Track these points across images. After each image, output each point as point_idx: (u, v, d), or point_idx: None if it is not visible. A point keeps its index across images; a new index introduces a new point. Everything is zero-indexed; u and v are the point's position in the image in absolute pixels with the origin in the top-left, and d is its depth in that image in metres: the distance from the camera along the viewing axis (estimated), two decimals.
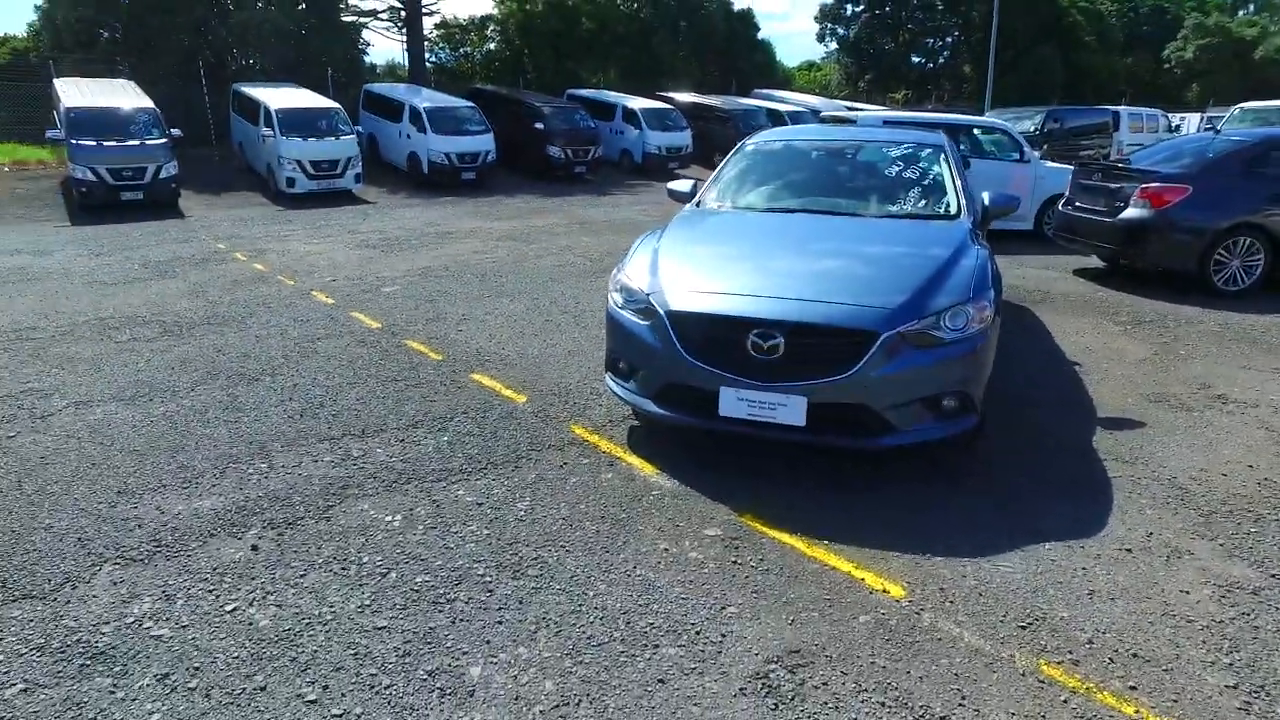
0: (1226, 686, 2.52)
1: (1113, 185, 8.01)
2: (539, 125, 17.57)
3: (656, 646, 2.62)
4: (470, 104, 17.42)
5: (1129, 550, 3.26)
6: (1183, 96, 47.33)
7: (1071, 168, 9.39)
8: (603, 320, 5.36)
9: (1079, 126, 17.75)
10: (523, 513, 3.45)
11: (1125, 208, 7.70)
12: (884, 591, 2.95)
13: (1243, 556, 3.24)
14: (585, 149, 17.91)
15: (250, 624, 2.69)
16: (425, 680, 2.44)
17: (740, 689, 2.44)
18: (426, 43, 27.14)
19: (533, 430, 4.32)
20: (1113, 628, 2.78)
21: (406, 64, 26.09)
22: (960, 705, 2.40)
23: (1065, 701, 2.43)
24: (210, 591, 2.87)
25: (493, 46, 31.68)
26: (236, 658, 2.53)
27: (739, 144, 5.64)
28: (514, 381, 5.06)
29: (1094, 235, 8.09)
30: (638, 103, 20.54)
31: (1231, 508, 3.61)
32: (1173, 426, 4.53)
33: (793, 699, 2.41)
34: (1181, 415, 4.71)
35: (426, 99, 17.17)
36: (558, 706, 2.35)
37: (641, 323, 3.90)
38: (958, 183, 4.90)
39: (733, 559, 3.14)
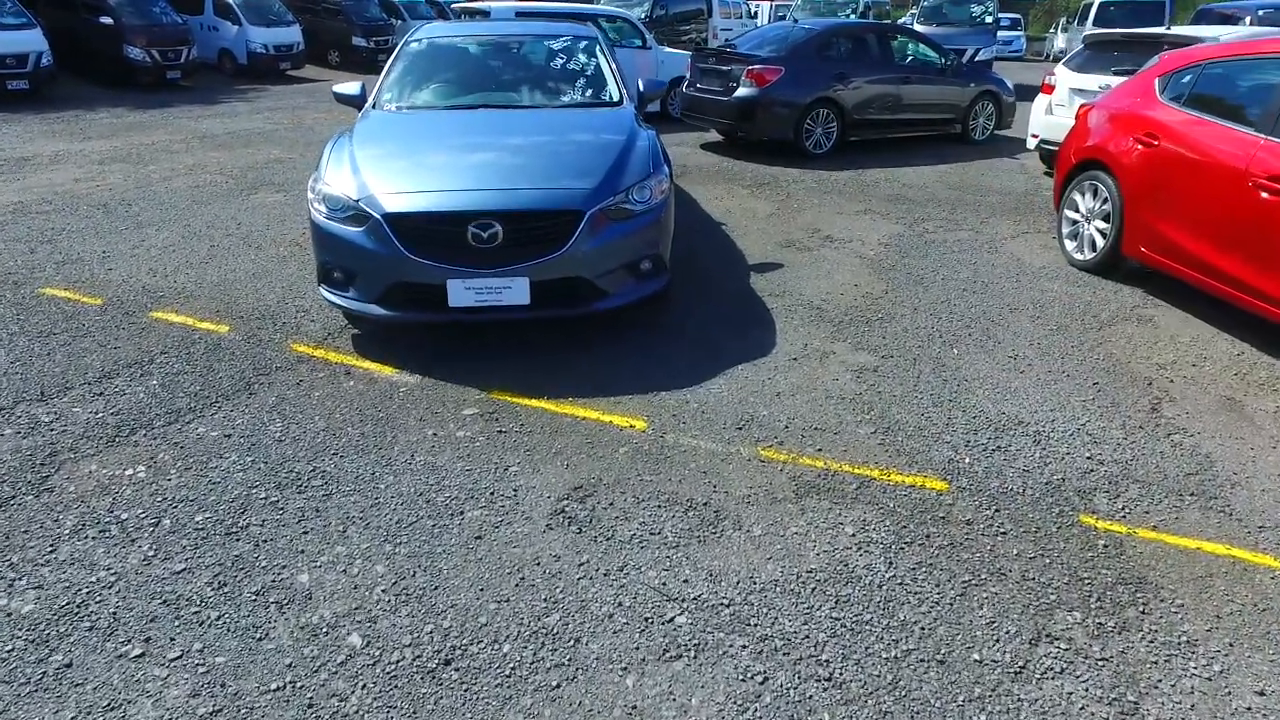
0: (871, 434, 3.54)
1: (724, 68, 9.24)
2: (107, 20, 14.61)
3: (461, 513, 2.91)
4: None
5: (795, 359, 4.22)
6: None
7: (685, 54, 10.55)
8: (280, 238, 5.14)
9: (680, 13, 19.47)
10: (279, 434, 3.40)
11: (737, 88, 8.98)
12: (631, 427, 3.53)
13: (864, 349, 4.38)
14: (175, 49, 15.34)
15: (10, 615, 2.42)
16: (256, 600, 2.47)
17: (547, 525, 2.85)
18: None
19: (251, 357, 4.11)
20: (798, 414, 3.67)
21: None
22: (714, 491, 3.08)
23: (781, 470, 3.24)
24: None
25: None
26: (14, 650, 2.30)
27: (403, 43, 5.53)
28: (206, 313, 4.66)
29: (714, 112, 9.33)
30: None
31: (851, 317, 4.80)
32: (801, 264, 5.72)
33: (590, 521, 2.88)
34: (804, 254, 5.95)
35: None
36: (396, 582, 2.56)
37: (354, 229, 3.89)
38: (615, 72, 5.42)
39: (497, 429, 3.47)
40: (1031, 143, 8.82)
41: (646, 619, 2.45)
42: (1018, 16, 29.71)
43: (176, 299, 4.87)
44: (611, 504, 2.99)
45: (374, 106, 5.04)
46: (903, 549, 2.79)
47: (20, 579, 2.55)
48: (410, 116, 4.93)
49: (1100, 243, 5.51)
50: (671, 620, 2.45)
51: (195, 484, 3.04)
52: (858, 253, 6.02)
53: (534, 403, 3.70)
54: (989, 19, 16.30)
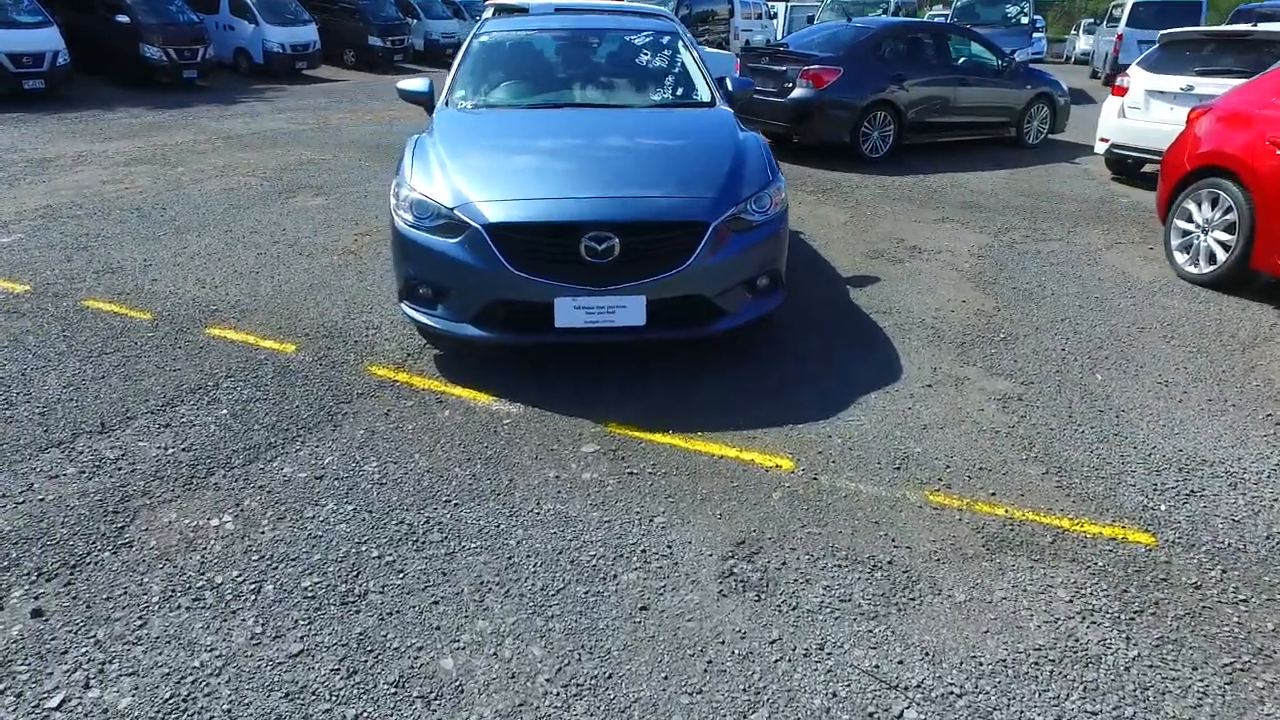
0: (1042, 474, 3.12)
1: (778, 68, 8.84)
2: (122, 18, 14.20)
3: (615, 576, 2.49)
4: None
5: (929, 386, 3.81)
6: None
7: (728, 54, 10.16)
8: (330, 245, 4.77)
9: (703, 12, 19.14)
10: (377, 475, 2.98)
11: (793, 89, 8.58)
12: (776, 467, 3.11)
13: (999, 374, 3.97)
14: (192, 48, 14.92)
15: (107, 713, 2.00)
16: (396, 693, 2.05)
17: (719, 592, 2.44)
18: None
19: (327, 382, 3.69)
20: (955, 451, 3.26)
21: None
22: (894, 547, 2.67)
23: (959, 520, 2.82)
24: (14, 695, 2.07)
25: None
26: None
27: (470, 37, 5.11)
28: (267, 329, 4.24)
29: (767, 114, 8.92)
30: None
31: (972, 338, 4.39)
32: (896, 277, 5.32)
33: (767, 585, 2.47)
34: (897, 267, 5.54)
35: None
36: (560, 669, 2.14)
37: (448, 240, 3.47)
38: (704, 70, 5.01)
39: (627, 470, 3.06)
40: (1100, 147, 8.42)
41: (871, 715, 2.03)
42: (1038, 18, 29.31)
43: (232, 313, 4.45)
44: (784, 564, 2.57)
45: (446, 105, 4.62)
46: (1134, 620, 2.38)
47: (111, 662, 2.13)
48: (492, 116, 4.51)
49: (1221, 255, 5.11)
50: (901, 716, 2.03)
51: (293, 538, 2.62)
52: (952, 265, 5.62)
53: (660, 438, 3.28)
54: (1024, 19, 15.93)
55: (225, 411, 3.41)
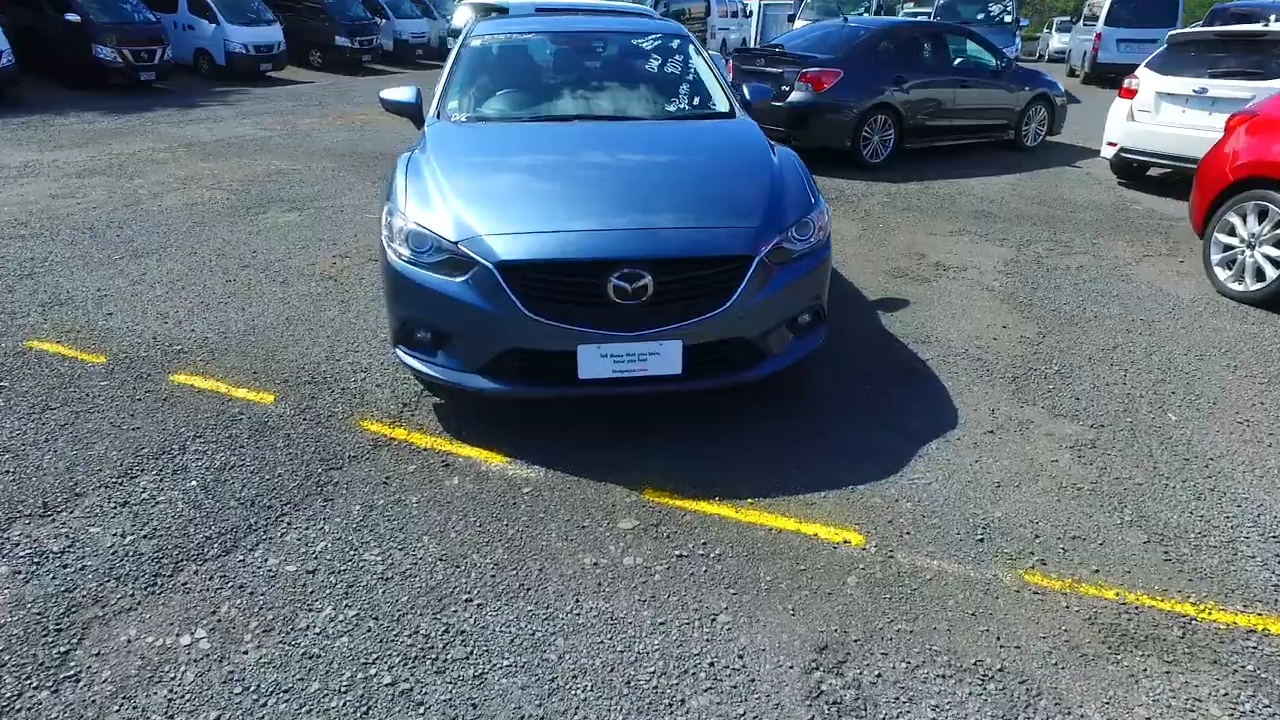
0: (1144, 544, 2.74)
1: (774, 70, 8.45)
2: (73, 17, 13.39)
3: (683, 701, 2.05)
4: None
5: (991, 432, 3.42)
6: None
7: (716, 54, 9.73)
8: (307, 270, 4.30)
9: (679, 10, 18.74)
10: (381, 568, 2.51)
11: (790, 91, 8.19)
12: (845, 542, 2.69)
13: (1063, 414, 3.60)
14: (149, 49, 14.15)
15: None
16: None
17: (811, 717, 2.01)
18: None
19: (314, 441, 3.20)
20: (1039, 515, 2.87)
21: None
22: (1000, 646, 2.26)
23: (1066, 608, 2.43)
24: None
25: None
26: None
27: (462, 40, 4.62)
28: (240, 374, 3.73)
29: (765, 118, 8.48)
30: None
31: (1023, 371, 4.01)
32: (926, 299, 4.93)
33: (865, 708, 2.05)
34: (923, 287, 5.16)
35: None
36: None
37: (452, 279, 3.00)
38: (719, 77, 4.59)
39: (675, 553, 2.62)
40: (1108, 151, 8.13)
41: None
42: (1023, 19, 29.14)
43: (199, 355, 3.93)
44: (879, 675, 2.15)
45: (438, 117, 4.13)
46: None
47: None
48: (493, 130, 4.03)
49: (1272, 273, 4.80)
50: None
51: (284, 659, 2.15)
52: (980, 283, 5.25)
53: (705, 507, 2.84)
54: (1008, 18, 15.72)
55: (194, 483, 2.91)
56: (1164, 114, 7.55)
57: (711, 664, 2.17)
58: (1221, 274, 5.15)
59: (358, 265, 5.27)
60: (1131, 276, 5.49)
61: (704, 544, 2.66)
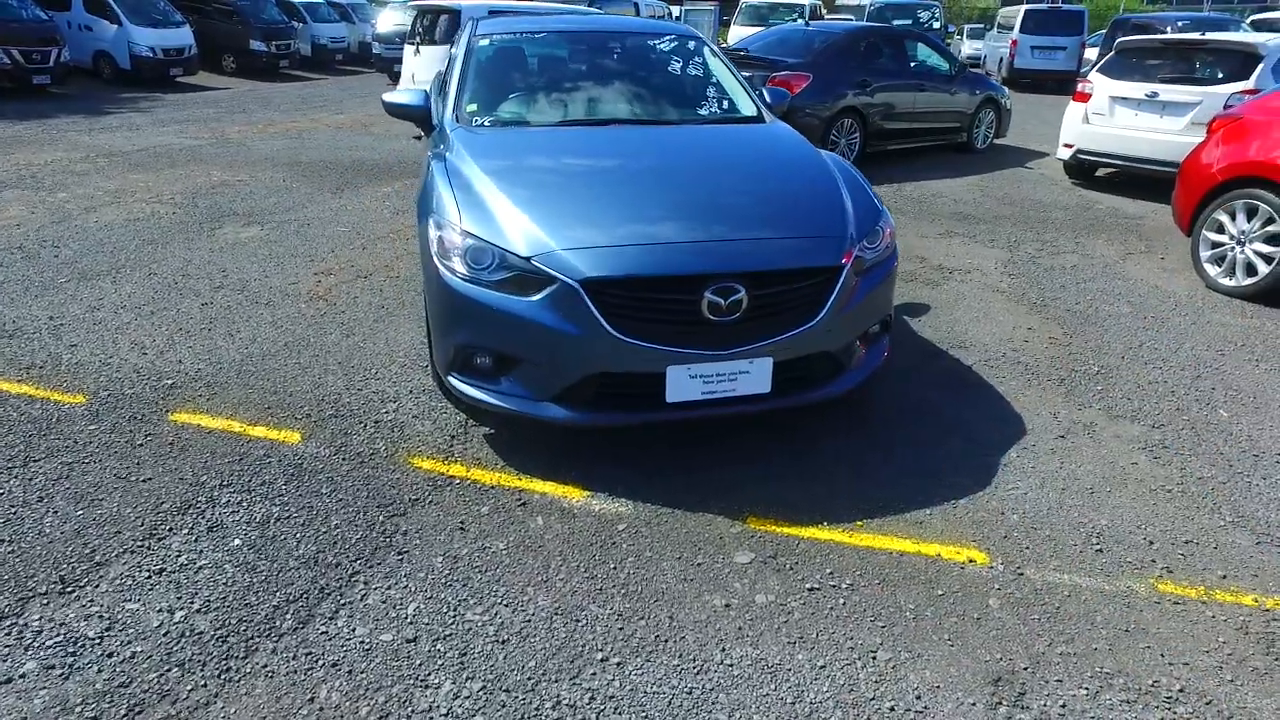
0: (1255, 545, 2.71)
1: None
2: None
3: None
4: None
5: (1062, 437, 3.36)
6: None
7: None
8: (290, 289, 4.07)
9: (609, 12, 18.55)
10: (491, 628, 2.22)
11: None
12: (970, 562, 2.56)
13: (1122, 415, 3.58)
14: (41, 50, 13.01)
15: None
16: None
17: None
18: None
19: (364, 484, 2.86)
20: (1142, 521, 2.80)
21: None
22: (1168, 664, 2.16)
23: (1214, 617, 2.35)
24: None
25: None
26: None
27: (466, 40, 4.28)
28: (253, 411, 3.33)
29: None
30: None
31: (1068, 372, 3.99)
32: (944, 302, 4.90)
33: None
34: (936, 290, 5.13)
35: None
36: None
37: (524, 298, 2.73)
38: (740, 79, 4.44)
39: (805, 585, 2.42)
40: (1064, 153, 8.39)
41: None
42: (950, 25, 30.08)
43: (196, 389, 3.50)
44: (1065, 706, 2.01)
45: (456, 121, 3.80)
46: None
47: None
48: (531, 135, 3.71)
49: (1263, 268, 4.96)
50: None
51: None
52: (989, 285, 5.26)
53: (816, 533, 2.66)
54: (936, 24, 16.22)
55: (239, 542, 2.53)
56: (1118, 117, 7.84)
57: (892, 709, 1.99)
58: (1212, 270, 5.31)
59: (346, 283, 4.86)
60: (1125, 274, 5.61)
61: (830, 574, 2.47)
